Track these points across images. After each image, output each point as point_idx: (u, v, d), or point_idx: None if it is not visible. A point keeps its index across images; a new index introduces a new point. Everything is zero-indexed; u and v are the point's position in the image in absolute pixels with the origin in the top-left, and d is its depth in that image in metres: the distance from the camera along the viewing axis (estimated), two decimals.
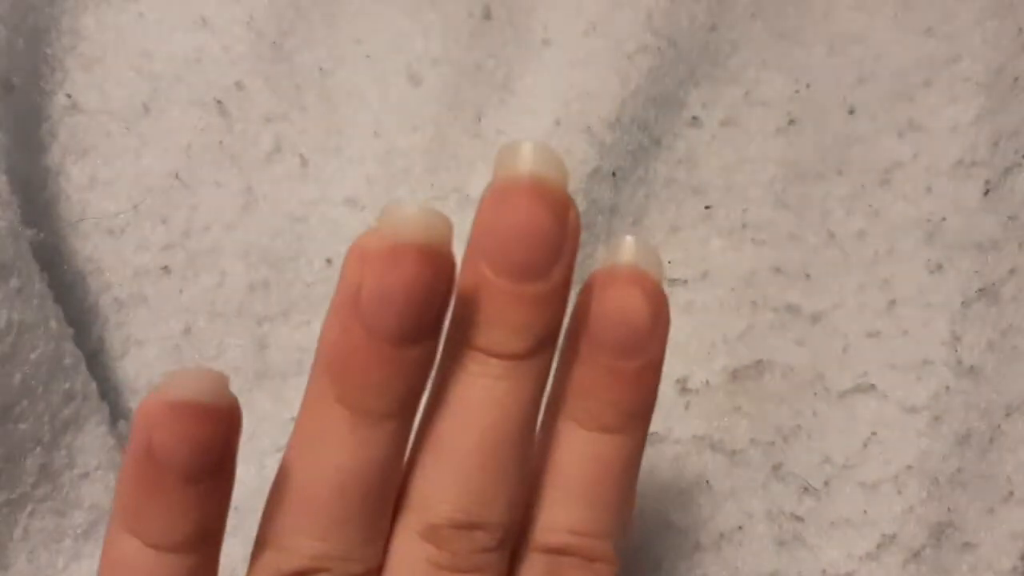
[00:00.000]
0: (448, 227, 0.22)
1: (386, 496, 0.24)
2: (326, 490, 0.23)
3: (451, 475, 0.23)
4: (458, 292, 0.23)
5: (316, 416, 0.23)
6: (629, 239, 0.24)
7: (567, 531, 0.25)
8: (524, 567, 0.25)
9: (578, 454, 0.24)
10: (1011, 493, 0.30)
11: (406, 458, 0.24)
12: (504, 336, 0.23)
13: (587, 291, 0.24)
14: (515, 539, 0.25)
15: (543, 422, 0.25)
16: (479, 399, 0.23)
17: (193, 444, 0.21)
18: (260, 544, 0.24)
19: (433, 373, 0.24)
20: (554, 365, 0.25)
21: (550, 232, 0.22)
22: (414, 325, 0.22)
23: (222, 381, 0.22)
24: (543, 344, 0.23)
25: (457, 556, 0.23)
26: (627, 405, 0.24)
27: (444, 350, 0.24)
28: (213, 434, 0.22)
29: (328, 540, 0.23)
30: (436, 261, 0.22)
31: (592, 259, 0.35)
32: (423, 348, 0.22)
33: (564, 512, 0.25)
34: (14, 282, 0.31)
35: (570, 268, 0.23)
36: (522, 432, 0.24)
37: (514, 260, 0.22)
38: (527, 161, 0.22)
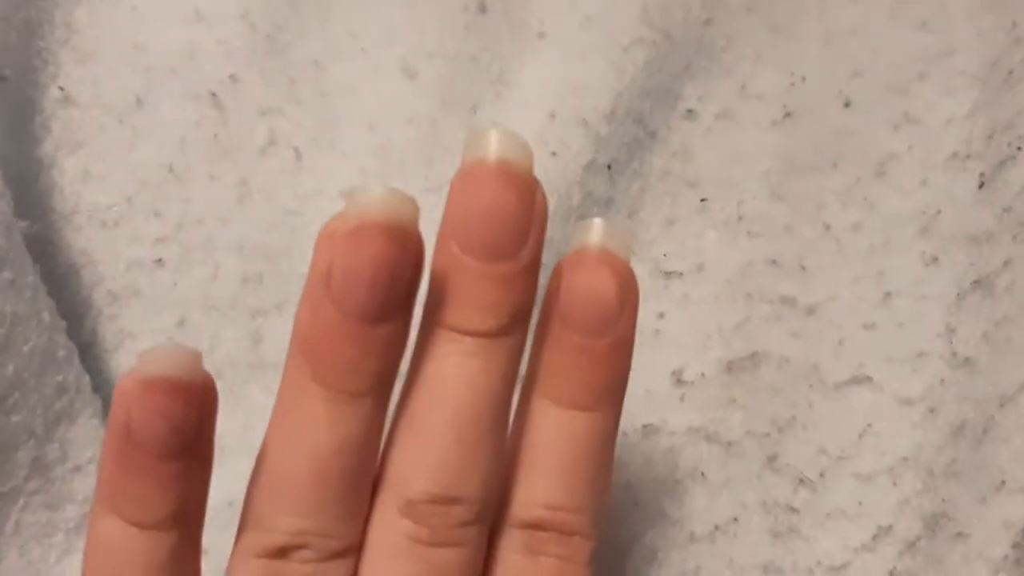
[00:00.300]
0: (413, 207, 0.22)
1: (364, 473, 0.24)
2: (304, 468, 0.23)
3: (427, 451, 0.24)
4: (431, 274, 0.24)
5: (293, 396, 0.24)
6: (597, 221, 0.25)
7: (543, 506, 0.25)
8: (502, 543, 0.25)
9: (552, 432, 0.25)
10: (1003, 483, 0.30)
11: (384, 437, 0.25)
12: (475, 314, 0.23)
13: (558, 273, 0.25)
14: (493, 515, 0.25)
15: (519, 402, 0.26)
16: (452, 376, 0.24)
17: (168, 419, 0.22)
18: (242, 526, 0.24)
19: (410, 354, 0.24)
20: (529, 346, 0.25)
21: (517, 212, 0.23)
22: (383, 302, 0.22)
23: (195, 357, 0.22)
24: (514, 322, 0.24)
25: (435, 531, 0.24)
26: (599, 382, 0.25)
27: (419, 331, 0.24)
28: (187, 409, 0.22)
29: (307, 517, 0.23)
30: (401, 239, 0.22)
31: None
32: (394, 325, 0.23)
33: (540, 488, 0.25)
34: (7, 274, 0.31)
35: (538, 248, 0.24)
36: (495, 408, 0.24)
37: (483, 240, 0.23)
38: (493, 145, 0.23)
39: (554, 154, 0.35)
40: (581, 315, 0.24)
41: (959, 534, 0.30)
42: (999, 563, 0.29)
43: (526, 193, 0.23)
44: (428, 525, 0.24)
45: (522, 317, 0.24)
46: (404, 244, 0.22)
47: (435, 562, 0.24)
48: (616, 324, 0.25)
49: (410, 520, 0.24)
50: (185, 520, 0.23)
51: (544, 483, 0.25)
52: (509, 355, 0.24)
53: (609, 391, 0.25)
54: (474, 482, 0.24)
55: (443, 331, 0.24)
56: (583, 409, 0.25)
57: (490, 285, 0.23)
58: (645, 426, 0.33)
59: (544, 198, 0.24)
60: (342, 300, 0.22)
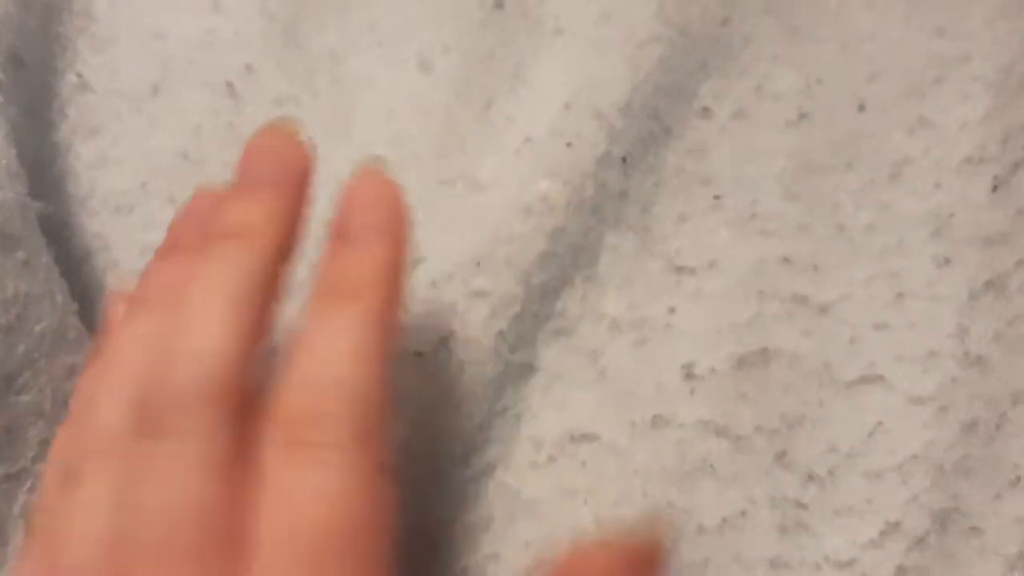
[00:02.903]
0: None
1: None
2: None
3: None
4: None
5: None
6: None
7: (299, 413, 0.25)
8: (266, 443, 0.25)
9: (316, 332, 0.26)
10: (1018, 478, 0.30)
11: None
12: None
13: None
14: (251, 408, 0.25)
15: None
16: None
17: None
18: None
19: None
20: None
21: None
22: None
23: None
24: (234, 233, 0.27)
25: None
26: (354, 274, 0.27)
27: None
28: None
29: None
30: None
31: (599, 243, 0.35)
32: None
33: (299, 393, 0.25)
34: (20, 254, 0.31)
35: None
36: (248, 292, 0.26)
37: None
38: None
39: (569, 145, 0.35)
40: (343, 214, 0.28)
41: (972, 529, 0.30)
42: (1014, 560, 0.29)
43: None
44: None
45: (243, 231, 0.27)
46: None
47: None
48: (371, 222, 0.28)
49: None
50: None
51: (303, 388, 0.25)
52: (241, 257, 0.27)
53: (367, 283, 0.27)
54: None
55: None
56: (344, 301, 0.26)
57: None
58: (655, 417, 0.33)
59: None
60: None
